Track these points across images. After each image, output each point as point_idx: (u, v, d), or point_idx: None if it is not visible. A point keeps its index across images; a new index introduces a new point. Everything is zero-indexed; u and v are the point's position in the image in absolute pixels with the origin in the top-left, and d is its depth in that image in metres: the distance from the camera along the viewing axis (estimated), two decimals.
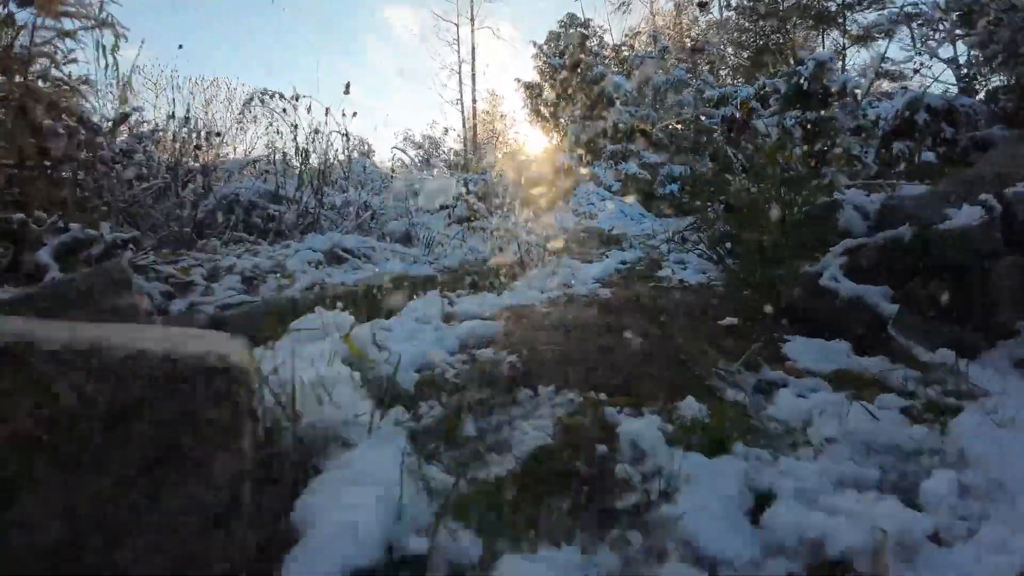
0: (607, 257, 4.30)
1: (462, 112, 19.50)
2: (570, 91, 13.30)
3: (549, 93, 13.92)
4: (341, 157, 5.50)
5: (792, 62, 7.26)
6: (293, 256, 3.80)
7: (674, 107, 11.69)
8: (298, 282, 3.41)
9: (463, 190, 7.00)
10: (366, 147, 8.69)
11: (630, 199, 9.34)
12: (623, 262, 4.06)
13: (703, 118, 11.42)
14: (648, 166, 10.42)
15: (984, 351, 1.50)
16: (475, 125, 19.79)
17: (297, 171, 4.84)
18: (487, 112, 21.69)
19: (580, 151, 11.29)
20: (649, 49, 14.05)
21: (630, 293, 2.72)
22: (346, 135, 5.04)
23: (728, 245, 2.55)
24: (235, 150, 6.38)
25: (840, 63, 23.23)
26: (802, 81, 6.38)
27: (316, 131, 5.19)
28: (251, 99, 7.88)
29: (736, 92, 12.65)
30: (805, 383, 1.51)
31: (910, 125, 8.82)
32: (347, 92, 5.62)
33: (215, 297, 2.83)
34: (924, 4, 12.71)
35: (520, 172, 11.69)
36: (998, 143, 7.80)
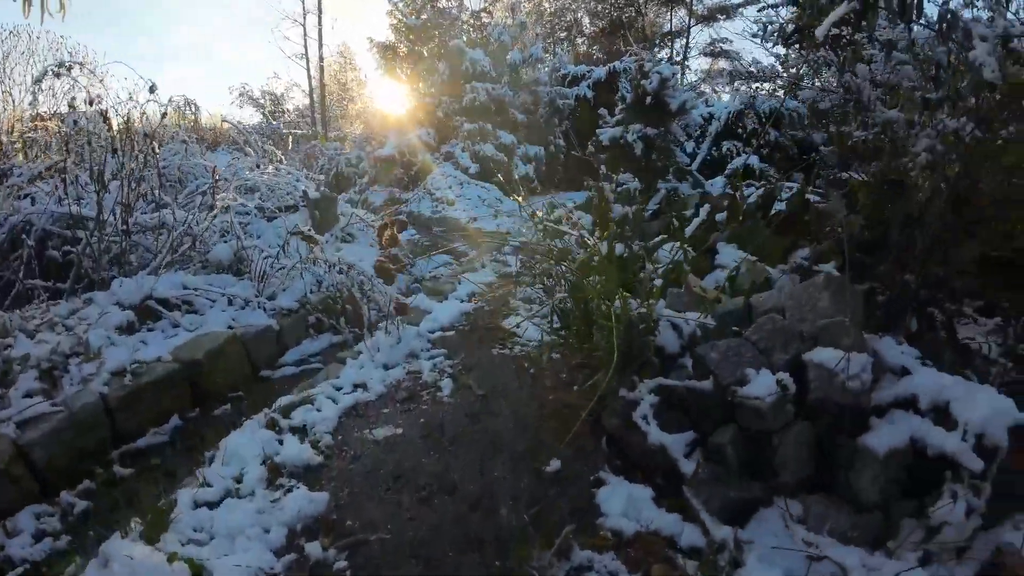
0: (459, 284, 4.34)
1: (307, 69, 17.72)
2: (426, 53, 12.72)
3: (405, 53, 13.17)
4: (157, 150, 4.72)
5: (641, 54, 7.63)
6: (97, 323, 3.20)
7: (530, 84, 11.76)
8: (106, 363, 2.86)
9: (312, 185, 6.47)
10: (192, 108, 7.53)
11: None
12: (472, 296, 4.14)
13: (559, 100, 11.67)
14: (504, 147, 10.47)
15: (764, 507, 1.79)
16: (323, 85, 18.15)
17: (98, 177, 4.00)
18: (337, 70, 19.94)
19: (434, 128, 10.97)
20: (507, 19, 13.85)
21: (468, 394, 2.73)
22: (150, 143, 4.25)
23: (565, 326, 2.71)
24: (24, 151, 5.13)
25: (684, 41, 25.03)
26: (646, 96, 6.80)
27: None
28: (44, 74, 6.40)
29: (589, 72, 13.09)
30: (606, 562, 1.68)
31: (739, 127, 9.95)
32: (153, 91, 4.76)
33: (12, 410, 2.36)
34: None
35: (375, 147, 11.07)
36: (817, 145, 9.00)
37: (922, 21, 2.18)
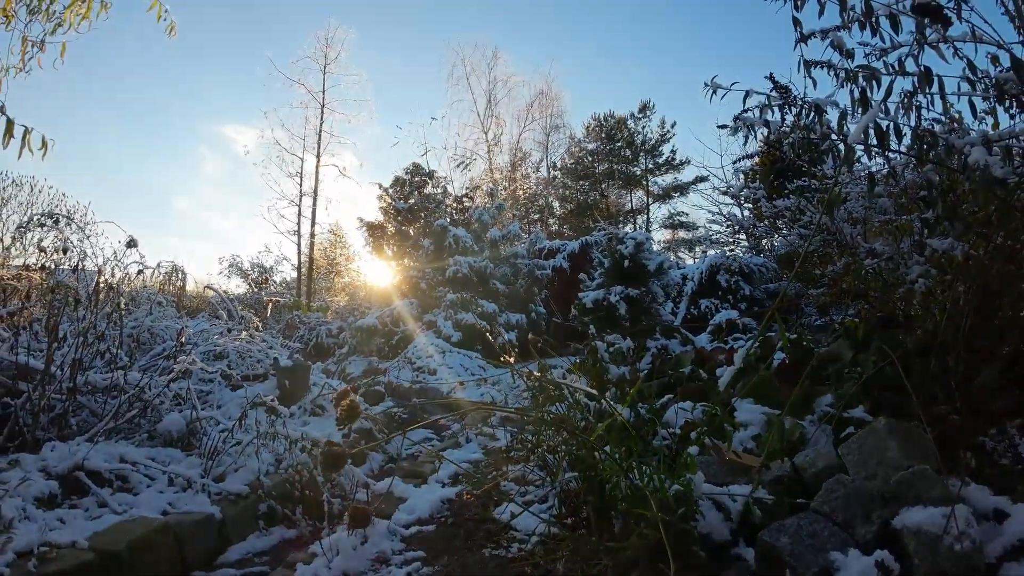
0: (441, 465, 3.80)
1: (298, 244, 18.65)
2: (412, 232, 13.48)
3: (393, 232, 13.93)
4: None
5: (610, 229, 8.10)
6: (14, 490, 2.66)
7: (510, 257, 12.31)
8: (14, 540, 2.31)
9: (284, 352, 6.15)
10: (179, 275, 7.42)
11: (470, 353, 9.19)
12: (456, 477, 3.59)
13: (537, 271, 12.16)
14: (486, 315, 10.52)
15: None
16: (311, 259, 18.94)
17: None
18: (327, 246, 21.05)
19: (417, 299, 11.12)
20: (487, 202, 15.10)
21: None
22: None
23: (574, 512, 2.18)
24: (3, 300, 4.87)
25: (645, 216, 27.61)
26: (624, 260, 7.05)
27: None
28: (30, 221, 6.40)
29: (564, 246, 13.92)
30: None
31: (713, 285, 10.30)
32: (132, 245, 4.72)
33: None
34: (711, 169, 15.72)
35: (357, 318, 11.06)
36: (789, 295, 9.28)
37: (899, 149, 2.20)
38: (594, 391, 2.34)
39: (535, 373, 3.49)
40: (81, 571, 2.31)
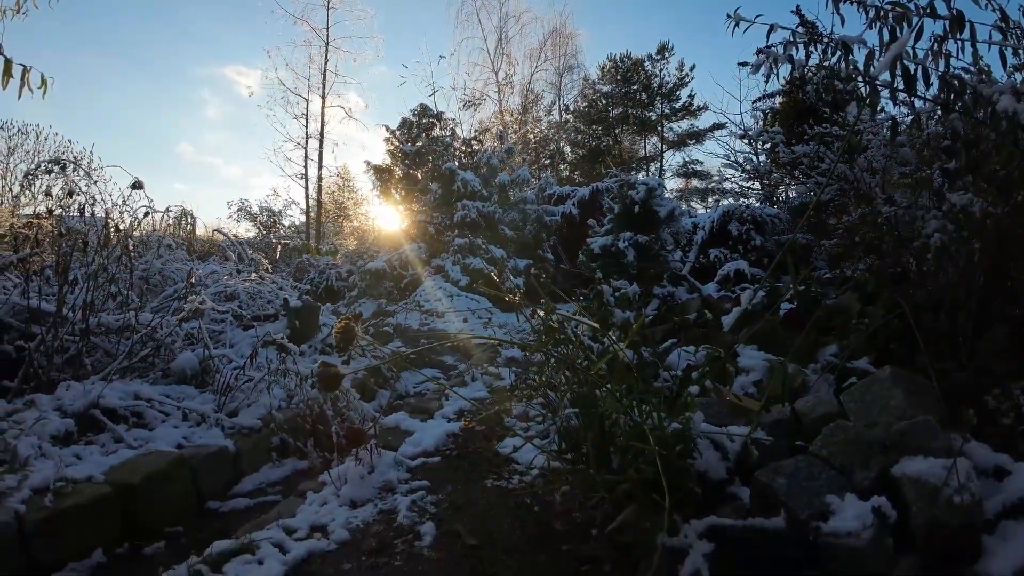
0: (447, 401, 3.88)
1: (306, 188, 18.46)
2: (420, 176, 13.26)
3: (400, 176, 13.73)
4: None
5: (621, 176, 7.94)
6: (30, 428, 2.76)
7: (519, 203, 12.15)
8: (30, 477, 2.41)
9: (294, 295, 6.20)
10: (189, 219, 7.41)
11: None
12: (461, 413, 3.68)
13: (546, 216, 12.02)
14: (494, 260, 10.51)
15: None
16: (319, 203, 18.81)
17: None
18: (335, 190, 20.83)
19: (426, 244, 11.08)
20: (496, 146, 14.72)
21: (456, 544, 2.15)
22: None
23: (574, 448, 2.22)
24: (14, 247, 4.93)
25: (659, 164, 26.97)
26: (634, 206, 6.91)
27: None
28: (37, 168, 6.38)
29: (574, 192, 13.68)
30: None
31: (724, 234, 10.15)
32: (137, 187, 4.70)
33: None
34: (730, 115, 15.22)
35: (366, 261, 11.08)
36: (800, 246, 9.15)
37: (925, 95, 2.08)
38: (596, 326, 2.34)
39: (540, 313, 3.51)
40: (98, 504, 2.40)
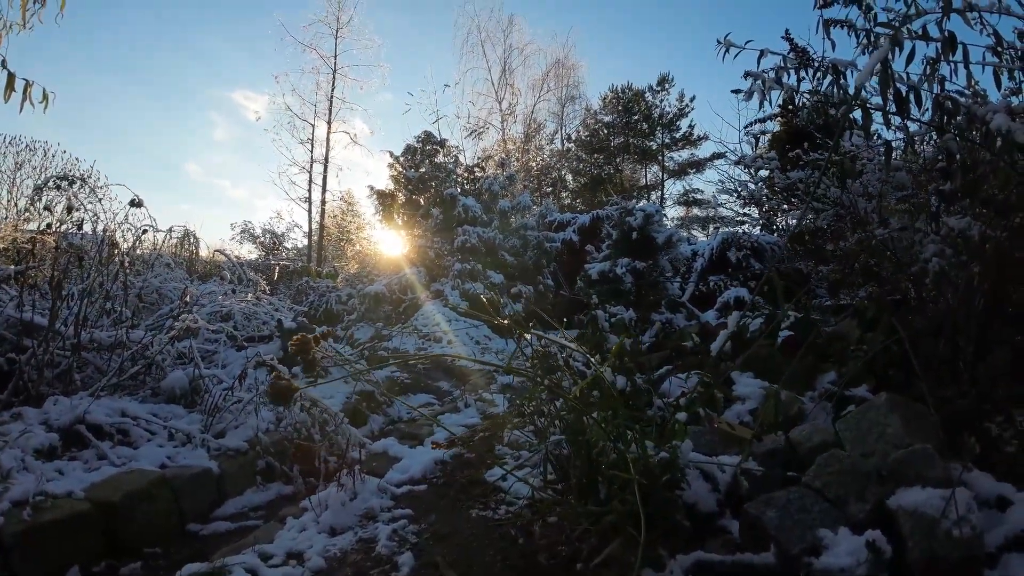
0: (438, 427, 3.81)
1: (309, 211, 18.59)
2: (423, 201, 13.37)
3: (403, 201, 13.83)
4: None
5: (622, 203, 7.96)
6: (15, 441, 2.72)
7: (519, 229, 12.19)
8: (11, 490, 2.39)
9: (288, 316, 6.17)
10: (191, 240, 7.43)
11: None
12: (452, 439, 3.59)
13: (547, 243, 12.05)
14: (494, 286, 10.49)
15: None
16: (322, 226, 18.93)
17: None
18: (339, 214, 20.98)
19: (426, 268, 11.09)
20: (498, 173, 14.86)
21: None
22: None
23: (563, 478, 2.14)
24: (15, 261, 4.95)
25: (659, 192, 27.18)
26: (632, 232, 6.92)
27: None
28: (44, 184, 6.44)
29: (575, 219, 13.75)
30: None
31: (724, 261, 10.11)
32: (136, 205, 4.74)
33: None
34: (729, 144, 15.35)
35: (366, 285, 11.08)
36: (804, 274, 9.10)
37: (919, 116, 2.08)
38: (582, 351, 2.30)
39: (527, 337, 3.46)
40: (76, 520, 2.37)
